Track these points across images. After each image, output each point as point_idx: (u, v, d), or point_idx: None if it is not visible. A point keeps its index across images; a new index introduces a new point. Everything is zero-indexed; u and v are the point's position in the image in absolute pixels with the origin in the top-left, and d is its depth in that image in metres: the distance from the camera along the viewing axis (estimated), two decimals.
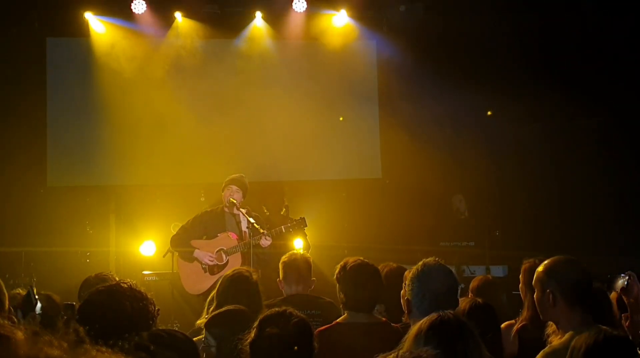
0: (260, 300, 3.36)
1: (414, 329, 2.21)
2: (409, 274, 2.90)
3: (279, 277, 4.13)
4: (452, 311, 2.29)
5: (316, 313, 3.69)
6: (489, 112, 8.79)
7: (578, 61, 7.92)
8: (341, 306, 3.34)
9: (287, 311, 2.35)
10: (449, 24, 8.21)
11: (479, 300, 3.34)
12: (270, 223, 5.89)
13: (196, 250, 5.75)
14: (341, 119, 8.96)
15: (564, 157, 8.08)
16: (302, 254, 4.17)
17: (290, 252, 4.22)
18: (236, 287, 3.40)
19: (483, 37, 8.23)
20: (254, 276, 3.47)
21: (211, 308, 3.37)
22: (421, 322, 2.22)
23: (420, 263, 2.87)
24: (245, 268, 3.67)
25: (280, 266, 4.11)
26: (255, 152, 8.58)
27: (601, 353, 2.06)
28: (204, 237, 5.85)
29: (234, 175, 5.95)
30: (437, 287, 2.75)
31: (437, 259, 2.89)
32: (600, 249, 7.10)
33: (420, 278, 2.79)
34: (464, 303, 3.32)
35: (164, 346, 2.10)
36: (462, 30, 8.20)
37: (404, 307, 2.85)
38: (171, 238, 6.00)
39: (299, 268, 4.03)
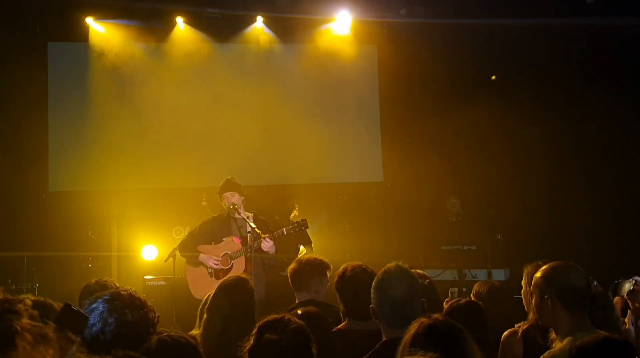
0: (250, 309, 3.32)
1: (406, 334, 2.22)
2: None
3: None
4: (440, 316, 2.29)
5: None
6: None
7: (580, 65, 7.92)
8: (341, 314, 3.33)
9: (286, 317, 2.36)
10: (449, 27, 8.22)
11: (462, 300, 3.34)
12: (277, 226, 5.84)
13: (201, 254, 5.79)
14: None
15: (565, 160, 8.06)
16: (306, 259, 4.06)
17: (296, 258, 4.11)
18: (221, 297, 3.38)
19: (483, 41, 8.23)
20: (250, 284, 3.44)
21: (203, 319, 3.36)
22: (411, 325, 2.24)
23: (382, 270, 2.87)
24: (240, 275, 3.62)
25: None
26: (257, 156, 8.59)
27: (601, 356, 2.06)
28: (212, 243, 5.88)
29: (220, 183, 5.94)
30: (395, 294, 2.75)
31: (399, 264, 2.88)
32: (602, 252, 7.09)
33: (380, 286, 2.80)
34: (447, 306, 3.34)
35: (166, 352, 2.12)
36: (463, 33, 8.20)
37: (371, 314, 2.86)
38: (179, 243, 6.05)
39: (300, 275, 3.95)
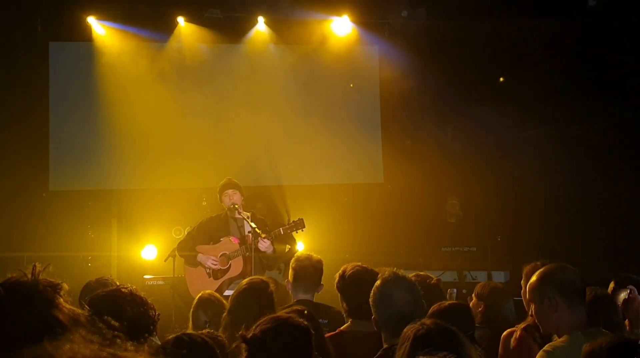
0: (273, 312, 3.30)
1: (402, 338, 2.21)
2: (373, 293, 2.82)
3: (287, 279, 4.00)
4: (430, 321, 2.26)
5: (324, 323, 3.61)
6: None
7: (578, 66, 7.93)
8: (344, 314, 3.33)
9: (287, 316, 2.35)
10: (450, 29, 8.22)
11: (446, 302, 3.32)
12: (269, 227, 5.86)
13: (199, 254, 5.78)
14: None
15: (566, 162, 8.06)
16: (313, 258, 3.95)
17: (304, 254, 4.02)
18: (248, 299, 3.36)
19: (485, 43, 8.23)
20: (271, 287, 3.43)
21: (224, 322, 3.34)
22: (406, 329, 2.22)
23: (379, 282, 2.80)
24: (260, 277, 3.60)
25: (290, 269, 3.95)
26: (258, 156, 8.58)
27: (622, 355, 2.06)
28: (211, 243, 5.87)
29: (222, 181, 5.95)
30: (401, 306, 2.71)
31: (394, 271, 2.84)
32: (602, 254, 7.09)
33: (384, 301, 2.75)
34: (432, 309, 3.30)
35: (183, 350, 2.13)
36: (464, 35, 8.20)
37: (374, 324, 2.80)
38: (178, 243, 6.07)
39: (309, 274, 3.89)
